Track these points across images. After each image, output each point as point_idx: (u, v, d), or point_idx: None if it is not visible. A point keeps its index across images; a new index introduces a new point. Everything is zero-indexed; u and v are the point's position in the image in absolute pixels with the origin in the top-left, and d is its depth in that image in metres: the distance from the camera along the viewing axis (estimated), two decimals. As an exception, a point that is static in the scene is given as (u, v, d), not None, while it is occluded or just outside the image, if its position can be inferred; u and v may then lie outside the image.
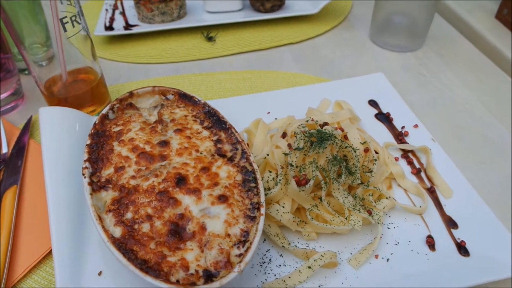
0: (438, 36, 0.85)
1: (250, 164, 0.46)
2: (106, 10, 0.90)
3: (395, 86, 0.70)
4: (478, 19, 0.89)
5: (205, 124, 0.52)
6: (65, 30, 0.54)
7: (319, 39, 0.85)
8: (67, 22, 0.54)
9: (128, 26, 0.86)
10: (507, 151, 0.59)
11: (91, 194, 0.43)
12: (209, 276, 0.37)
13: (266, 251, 0.46)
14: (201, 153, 0.48)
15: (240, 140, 0.49)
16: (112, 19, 0.88)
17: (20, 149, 0.60)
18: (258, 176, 0.45)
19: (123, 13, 0.90)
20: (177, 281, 0.36)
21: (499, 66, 0.77)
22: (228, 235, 0.40)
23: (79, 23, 0.56)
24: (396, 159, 0.55)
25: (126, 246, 0.39)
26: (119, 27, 0.85)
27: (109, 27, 0.85)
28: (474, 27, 0.88)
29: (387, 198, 0.49)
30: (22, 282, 0.46)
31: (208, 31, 0.85)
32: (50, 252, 0.48)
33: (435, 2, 0.75)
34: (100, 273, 0.43)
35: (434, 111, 0.67)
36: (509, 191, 0.54)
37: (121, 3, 0.94)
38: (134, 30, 0.83)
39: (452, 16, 0.94)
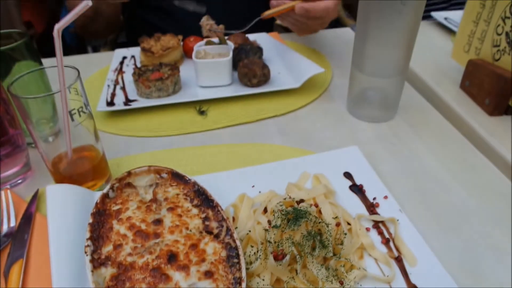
0: (409, 106, 0.94)
1: (234, 241, 0.52)
2: (108, 86, 1.00)
3: (369, 156, 0.77)
4: (444, 89, 0.99)
5: (195, 202, 0.58)
6: (72, 120, 0.62)
7: (301, 111, 0.93)
8: (75, 113, 0.62)
9: (127, 101, 0.94)
10: (470, 218, 0.66)
11: (92, 271, 0.49)
12: None
13: (249, 321, 0.51)
14: (190, 230, 0.54)
15: (225, 218, 0.56)
16: (113, 95, 0.97)
17: (27, 222, 0.66)
18: (241, 252, 0.51)
19: (123, 88, 0.99)
20: None
21: (462, 133, 0.85)
22: (213, 309, 0.45)
23: (84, 113, 0.64)
24: (368, 229, 0.62)
25: (123, 321, 0.44)
26: (119, 102, 0.94)
27: (111, 103, 0.94)
28: (441, 96, 0.97)
29: (358, 268, 0.55)
30: None
31: (200, 106, 0.94)
32: (52, 325, 0.52)
33: (403, 79, 0.85)
34: None
35: (404, 180, 0.74)
36: (469, 255, 0.59)
37: (122, 79, 1.03)
38: (133, 106, 0.92)
39: (421, 86, 1.04)
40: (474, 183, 0.72)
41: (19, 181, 0.76)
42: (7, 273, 0.58)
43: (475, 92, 0.94)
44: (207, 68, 0.95)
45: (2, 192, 0.70)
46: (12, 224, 0.66)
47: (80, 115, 0.63)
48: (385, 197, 0.66)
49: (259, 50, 1.05)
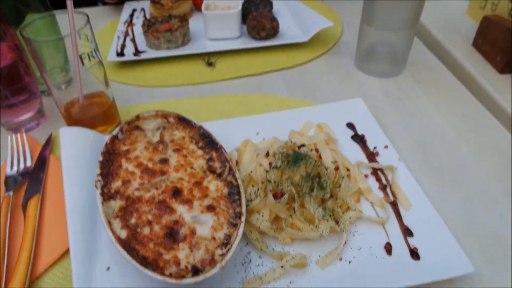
0: (417, 62, 0.93)
1: (236, 180, 0.55)
2: (118, 37, 1.01)
3: (374, 110, 0.78)
4: (455, 46, 0.97)
5: (200, 144, 0.61)
6: (83, 64, 0.64)
7: (308, 65, 0.94)
8: (85, 57, 0.63)
9: (137, 52, 0.96)
10: (469, 172, 0.67)
11: (102, 203, 0.52)
12: (196, 271, 0.45)
13: (248, 253, 0.54)
14: (195, 169, 0.57)
15: (229, 159, 0.58)
16: (123, 46, 0.98)
17: (41, 162, 0.70)
18: (242, 190, 0.54)
19: (133, 40, 1.00)
20: (170, 274, 0.45)
21: (470, 91, 0.85)
22: (214, 238, 0.49)
23: (94, 58, 0.66)
24: (366, 176, 0.64)
25: (130, 245, 0.47)
26: (129, 53, 0.95)
27: (121, 53, 0.95)
28: (452, 53, 0.96)
29: (354, 210, 0.57)
30: (44, 275, 0.55)
31: (208, 57, 0.95)
32: (67, 251, 0.57)
33: (413, 33, 0.84)
34: (108, 268, 0.52)
35: (406, 133, 0.75)
36: (465, 207, 0.61)
37: (132, 31, 1.04)
38: (142, 56, 0.93)
39: (432, 42, 1.02)
40: (477, 140, 0.73)
41: (34, 126, 0.79)
42: (25, 207, 0.62)
43: (487, 50, 0.93)
44: (216, 20, 0.95)
45: (18, 135, 0.74)
46: (28, 164, 0.69)
47: (90, 60, 0.65)
48: (386, 147, 0.67)
49: (268, 3, 1.04)
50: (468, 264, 0.50)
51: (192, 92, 0.87)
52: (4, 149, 0.74)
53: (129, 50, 0.97)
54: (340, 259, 0.53)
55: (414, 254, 0.53)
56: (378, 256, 0.53)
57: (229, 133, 0.69)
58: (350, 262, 0.53)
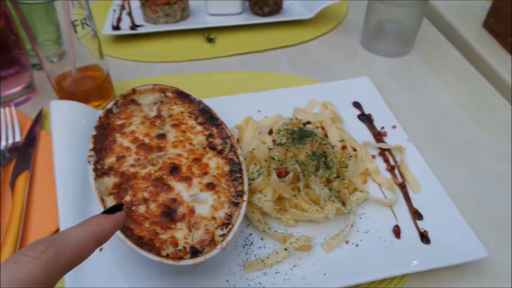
0: (426, 42, 0.90)
1: (237, 157, 0.52)
2: (114, 10, 0.96)
3: (381, 89, 0.75)
4: (465, 26, 0.94)
5: (199, 120, 0.57)
6: (76, 31, 0.60)
7: (313, 43, 0.90)
8: (78, 24, 0.59)
9: (134, 26, 0.91)
10: (480, 153, 0.64)
11: (95, 179, 0.49)
12: (195, 252, 0.42)
13: (249, 235, 0.51)
14: (194, 145, 0.53)
15: (230, 135, 0.55)
16: (119, 19, 0.93)
17: (31, 138, 0.66)
18: (244, 167, 0.50)
19: (129, 14, 0.96)
20: (167, 255, 0.42)
21: (481, 73, 0.82)
22: (214, 218, 0.46)
23: (88, 25, 0.62)
24: (373, 156, 0.61)
25: (124, 224, 0.44)
26: (125, 27, 0.91)
27: (116, 27, 0.91)
28: (461, 34, 0.93)
29: (361, 191, 0.54)
30: (33, 255, 0.52)
31: (208, 33, 0.90)
32: (57, 231, 0.54)
33: (424, 9, 0.80)
34: (101, 249, 0.49)
35: (415, 113, 0.72)
36: (476, 189, 0.59)
37: (128, 4, 0.99)
38: (139, 30, 0.89)
39: (441, 22, 0.98)
40: (488, 121, 0.70)
41: (24, 100, 0.75)
42: (13, 184, 0.59)
43: (499, 30, 0.89)
44: (217, -6, 0.91)
45: (7, 109, 0.70)
46: (17, 139, 0.66)
47: (83, 27, 0.61)
48: (394, 126, 0.64)
49: (272, -22, 0.99)
50: (481, 249, 0.47)
51: (191, 68, 0.83)
52: (-8, 124, 0.70)
53: (125, 24, 0.92)
54: (347, 242, 0.50)
55: (424, 237, 0.50)
56: (386, 240, 0.50)
57: (230, 111, 0.65)
58: (357, 245, 0.50)
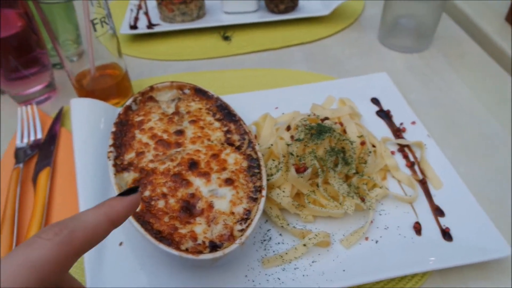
0: (445, 37, 0.88)
1: (255, 153, 0.52)
2: (131, 10, 0.97)
3: (399, 85, 0.74)
4: (486, 20, 0.92)
5: (217, 116, 0.58)
6: (95, 30, 0.61)
7: (329, 40, 0.89)
8: (97, 23, 0.60)
9: (150, 25, 0.92)
10: (501, 148, 0.63)
11: (114, 174, 0.49)
12: (214, 247, 0.42)
13: (267, 231, 0.51)
14: (212, 141, 0.53)
15: (248, 131, 0.55)
16: (136, 19, 0.94)
17: (52, 135, 0.68)
18: (262, 163, 0.50)
19: (146, 13, 0.97)
20: (186, 249, 0.42)
21: (503, 68, 0.80)
22: (233, 213, 0.46)
23: (107, 24, 0.62)
24: (393, 152, 0.60)
25: (144, 218, 0.45)
26: (142, 26, 0.92)
27: (134, 26, 0.92)
28: (482, 28, 0.91)
29: (380, 187, 0.54)
30: (54, 249, 0.52)
31: (224, 31, 0.91)
32: (78, 225, 0.54)
33: (443, 3, 0.79)
34: (121, 244, 0.49)
35: (434, 109, 0.70)
36: (499, 185, 0.57)
37: (145, 3, 1.00)
38: (156, 29, 0.90)
39: (461, 17, 0.96)
40: (509, 116, 0.68)
41: (44, 99, 0.76)
42: (35, 180, 0.60)
43: (520, 24, 0.87)
44: (233, -8, 0.91)
45: (29, 107, 0.72)
46: (39, 136, 0.67)
47: (102, 26, 0.61)
48: (413, 122, 0.63)
49: (287, -25, 0.99)
50: (505, 246, 0.46)
51: (207, 66, 0.83)
52: (16, 122, 0.71)
53: (142, 23, 0.93)
54: (366, 238, 0.50)
55: (446, 234, 0.49)
56: (406, 236, 0.50)
57: (247, 107, 0.65)
58: (376, 242, 0.49)
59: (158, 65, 0.84)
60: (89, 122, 0.60)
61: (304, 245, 0.47)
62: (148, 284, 0.46)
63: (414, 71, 0.80)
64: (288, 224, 0.50)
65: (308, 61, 0.83)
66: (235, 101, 0.65)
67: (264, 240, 0.50)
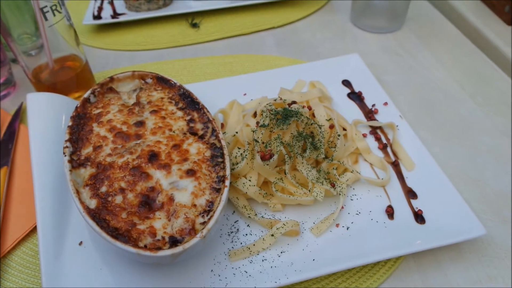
0: (418, 16, 0.86)
1: (219, 141, 0.49)
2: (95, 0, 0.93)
3: (372, 67, 0.72)
4: (460, -1, 0.90)
5: (180, 105, 0.55)
6: (46, 18, 0.57)
7: (300, 23, 0.87)
8: (47, 11, 0.57)
9: (115, 15, 0.88)
10: (476, 127, 0.61)
11: (70, 170, 0.47)
12: (174, 242, 0.40)
13: (235, 222, 0.49)
14: (174, 132, 0.51)
15: (211, 119, 0.52)
16: (100, 8, 0.91)
17: (11, 133, 0.64)
18: (226, 151, 0.48)
19: (111, 3, 0.93)
20: (145, 246, 0.40)
21: (478, 47, 0.78)
22: (194, 205, 0.43)
23: (60, 12, 0.59)
24: (364, 135, 0.58)
25: (100, 216, 0.42)
26: (106, 16, 0.88)
27: (97, 16, 0.88)
28: (456, 7, 0.89)
29: (351, 171, 0.52)
30: (12, 253, 0.50)
31: (192, 18, 0.87)
32: (35, 227, 0.51)
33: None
34: (80, 243, 0.47)
35: (407, 89, 0.69)
36: (472, 165, 0.56)
37: (110, -7, 0.96)
38: (121, 19, 0.86)
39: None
40: (485, 95, 0.67)
41: (3, 95, 0.73)
42: (-9, 180, 0.56)
43: (495, 1, 0.86)
44: (200, -23, 0.88)
45: (-15, 104, 0.68)
46: (-3, 135, 0.64)
47: (54, 14, 0.58)
48: (385, 103, 0.61)
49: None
50: (479, 226, 0.45)
51: (175, 55, 0.80)
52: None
53: (106, 13, 0.89)
54: (337, 225, 0.48)
55: (419, 217, 0.48)
56: (379, 221, 0.48)
57: (214, 95, 0.63)
58: (348, 228, 0.47)
59: (124, 55, 0.81)
60: (46, 117, 0.57)
61: (272, 235, 0.45)
62: (109, 283, 0.43)
63: (387, 51, 0.78)
64: (255, 215, 0.48)
65: (279, 46, 0.81)
66: (203, 89, 0.63)
67: (232, 232, 0.48)
